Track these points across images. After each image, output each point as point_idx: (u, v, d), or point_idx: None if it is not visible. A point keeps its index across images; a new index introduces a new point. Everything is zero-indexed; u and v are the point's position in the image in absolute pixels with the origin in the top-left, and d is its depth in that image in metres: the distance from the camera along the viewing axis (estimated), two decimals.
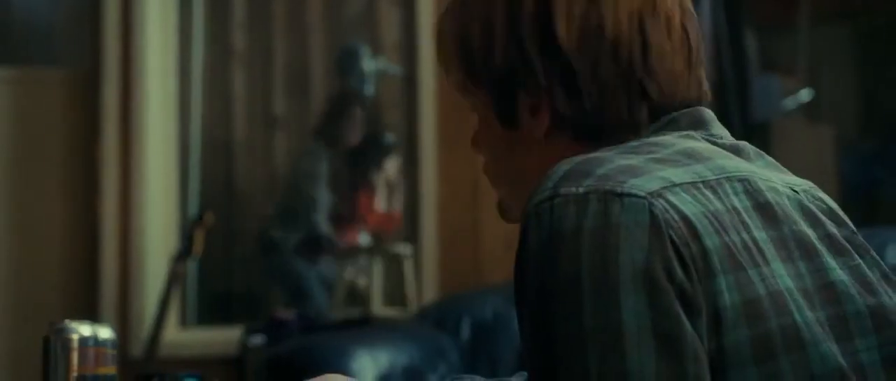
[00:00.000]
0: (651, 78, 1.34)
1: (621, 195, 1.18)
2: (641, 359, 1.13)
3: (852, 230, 1.32)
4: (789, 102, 4.66)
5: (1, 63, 5.50)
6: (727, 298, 1.17)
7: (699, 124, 1.35)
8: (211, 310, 5.12)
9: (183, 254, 4.39)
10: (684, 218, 1.18)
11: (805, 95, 4.75)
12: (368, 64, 4.88)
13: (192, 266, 4.89)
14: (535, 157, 1.36)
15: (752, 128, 4.18)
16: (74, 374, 1.50)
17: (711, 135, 1.35)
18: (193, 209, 4.99)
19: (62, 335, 1.51)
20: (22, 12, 5.82)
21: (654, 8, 1.36)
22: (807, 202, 1.31)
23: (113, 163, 4.97)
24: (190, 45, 5.14)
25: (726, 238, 1.20)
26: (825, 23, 5.07)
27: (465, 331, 3.93)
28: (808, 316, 1.20)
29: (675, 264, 1.16)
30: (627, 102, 1.34)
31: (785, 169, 1.37)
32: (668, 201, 1.19)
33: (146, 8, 5.01)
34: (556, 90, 1.34)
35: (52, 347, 1.52)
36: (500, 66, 1.36)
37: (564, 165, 1.22)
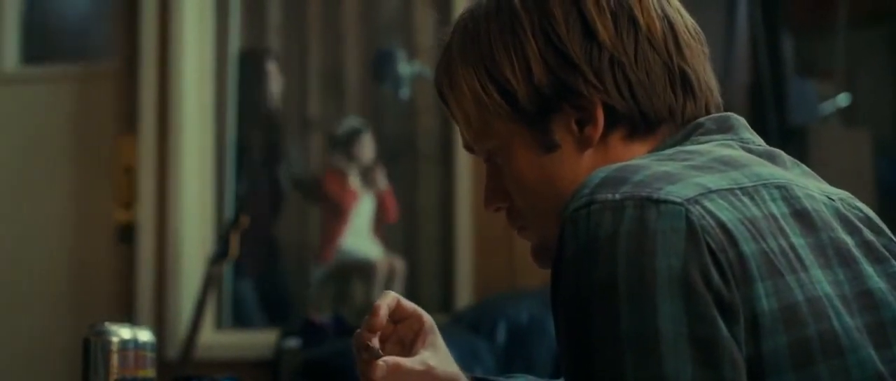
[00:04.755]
0: (689, 65, 1.37)
1: (658, 202, 1.18)
2: (678, 365, 1.13)
3: (891, 238, 1.31)
4: (826, 107, 4.64)
5: (40, 61, 5.54)
6: (765, 303, 1.17)
7: (728, 129, 1.36)
8: (247, 312, 5.14)
9: (219, 256, 4.41)
10: (721, 224, 1.18)
11: (842, 99, 4.73)
12: (404, 67, 4.89)
13: (227, 269, 4.91)
14: (581, 170, 1.34)
15: (788, 132, 4.16)
16: (114, 376, 1.51)
17: (744, 141, 1.35)
18: (229, 212, 5.00)
19: (102, 338, 1.51)
20: (59, 12, 5.85)
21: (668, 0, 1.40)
22: (844, 210, 1.30)
23: (150, 165, 4.99)
24: (226, 48, 5.16)
25: (764, 244, 1.19)
26: (862, 26, 5.04)
27: (501, 334, 3.93)
28: (847, 322, 1.20)
29: (712, 269, 1.16)
30: (673, 91, 1.36)
31: (820, 178, 1.37)
32: (704, 208, 1.19)
33: (183, 12, 5.03)
34: (608, 87, 1.34)
35: (92, 349, 1.52)
36: (544, 83, 1.36)
37: (600, 173, 1.22)
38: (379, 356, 1.39)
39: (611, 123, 1.35)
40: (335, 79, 5.22)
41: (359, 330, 1.42)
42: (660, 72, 1.36)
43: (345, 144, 5.07)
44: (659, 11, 1.37)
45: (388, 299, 1.44)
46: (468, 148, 1.46)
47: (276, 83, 5.15)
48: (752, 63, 4.46)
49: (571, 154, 1.37)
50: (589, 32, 1.35)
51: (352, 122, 5.11)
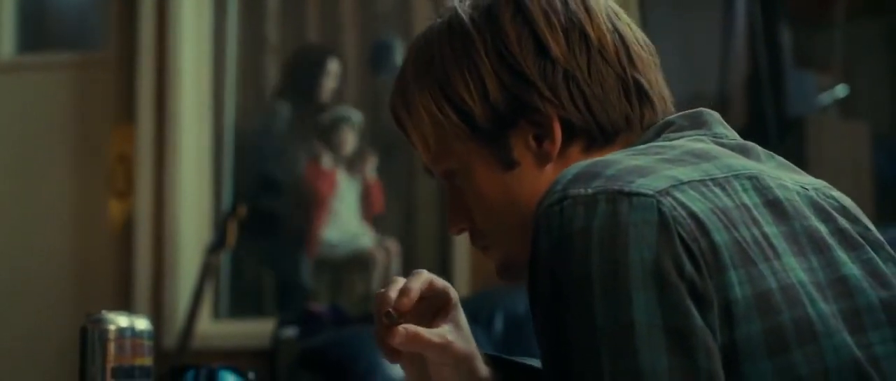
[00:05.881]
0: (642, 75, 1.40)
1: (630, 195, 1.20)
2: (653, 356, 1.15)
3: (866, 227, 1.33)
4: (824, 98, 4.64)
5: (37, 49, 5.53)
6: (738, 291, 1.18)
7: (700, 125, 1.38)
8: (244, 302, 5.14)
9: (216, 246, 4.41)
10: (693, 215, 1.20)
11: (840, 90, 4.73)
12: (401, 58, 4.88)
13: (225, 258, 4.90)
14: (542, 185, 1.33)
15: (786, 124, 4.16)
16: (111, 365, 1.51)
17: (717, 135, 1.37)
18: (227, 202, 5.00)
19: (99, 326, 1.51)
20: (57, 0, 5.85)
21: (616, 13, 1.43)
22: (818, 198, 1.32)
23: (147, 155, 4.99)
24: (224, 37, 5.16)
25: (736, 234, 1.21)
26: (861, 18, 5.04)
27: (498, 325, 3.93)
28: (822, 309, 1.21)
29: (685, 259, 1.17)
30: (628, 101, 1.39)
31: (798, 169, 1.39)
32: (676, 199, 1.21)
33: (181, 0, 5.02)
34: (563, 101, 1.37)
35: (89, 337, 1.52)
36: (500, 101, 1.38)
37: (573, 169, 1.25)
38: (398, 323, 1.38)
39: (568, 137, 1.38)
40: None
41: (383, 291, 1.40)
42: (613, 83, 1.38)
43: (326, 133, 5.06)
44: (609, 25, 1.40)
45: (421, 281, 1.41)
46: (428, 171, 1.48)
47: (332, 81, 5.12)
48: (750, 55, 4.46)
49: (531, 170, 1.39)
50: (541, 49, 1.38)
51: (340, 111, 5.11)
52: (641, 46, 1.42)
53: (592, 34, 1.39)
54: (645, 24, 4.37)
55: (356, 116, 5.08)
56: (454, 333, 1.42)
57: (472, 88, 1.39)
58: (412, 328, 1.39)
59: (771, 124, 4.01)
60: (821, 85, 4.64)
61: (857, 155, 4.42)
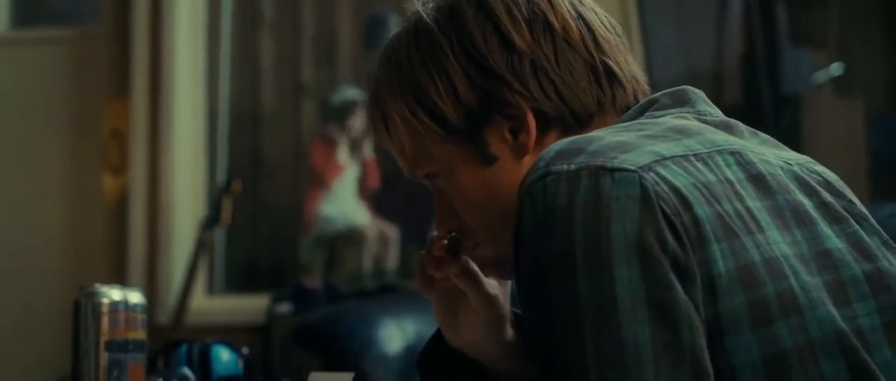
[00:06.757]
0: (610, 58, 1.42)
1: (612, 170, 1.20)
2: (636, 329, 1.15)
3: (850, 200, 1.34)
4: (820, 76, 4.64)
5: (31, 24, 5.52)
6: (721, 265, 1.19)
7: (684, 103, 1.39)
8: (238, 278, 5.14)
9: (211, 222, 4.40)
10: (675, 189, 1.21)
11: (836, 68, 4.73)
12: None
13: (219, 234, 4.90)
14: (521, 177, 1.34)
15: (782, 101, 4.17)
16: (104, 338, 1.51)
17: (701, 113, 1.38)
18: (221, 178, 5.00)
19: (93, 299, 1.51)
20: None
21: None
22: (801, 173, 1.33)
23: (141, 129, 4.98)
24: (219, 13, 5.14)
25: (719, 208, 1.22)
26: None
27: None
28: (806, 281, 1.22)
29: (668, 233, 1.18)
30: (599, 85, 1.41)
31: (782, 145, 1.40)
32: (658, 174, 1.21)
33: None
34: (534, 92, 1.39)
35: (83, 310, 1.52)
36: (471, 99, 1.40)
37: (556, 146, 1.26)
38: (458, 253, 1.40)
39: (543, 127, 1.40)
40: (328, 45, 5.20)
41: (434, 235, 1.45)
42: (582, 69, 1.40)
43: (340, 115, 5.06)
44: (572, 12, 1.42)
45: None
46: (410, 176, 1.50)
47: None
48: (745, 32, 4.46)
49: (510, 164, 1.41)
50: (506, 43, 1.40)
51: (347, 92, 5.10)
52: (607, 29, 1.44)
53: (556, 22, 1.41)
54: (642, 3, 4.36)
55: (362, 97, 5.07)
56: (499, 290, 1.47)
57: (443, 90, 1.41)
58: (474, 266, 1.43)
59: (766, 102, 4.01)
60: (816, 62, 4.64)
61: (852, 132, 4.42)
